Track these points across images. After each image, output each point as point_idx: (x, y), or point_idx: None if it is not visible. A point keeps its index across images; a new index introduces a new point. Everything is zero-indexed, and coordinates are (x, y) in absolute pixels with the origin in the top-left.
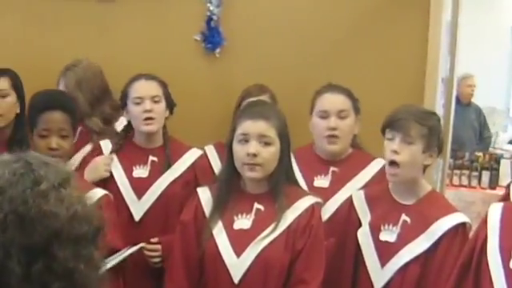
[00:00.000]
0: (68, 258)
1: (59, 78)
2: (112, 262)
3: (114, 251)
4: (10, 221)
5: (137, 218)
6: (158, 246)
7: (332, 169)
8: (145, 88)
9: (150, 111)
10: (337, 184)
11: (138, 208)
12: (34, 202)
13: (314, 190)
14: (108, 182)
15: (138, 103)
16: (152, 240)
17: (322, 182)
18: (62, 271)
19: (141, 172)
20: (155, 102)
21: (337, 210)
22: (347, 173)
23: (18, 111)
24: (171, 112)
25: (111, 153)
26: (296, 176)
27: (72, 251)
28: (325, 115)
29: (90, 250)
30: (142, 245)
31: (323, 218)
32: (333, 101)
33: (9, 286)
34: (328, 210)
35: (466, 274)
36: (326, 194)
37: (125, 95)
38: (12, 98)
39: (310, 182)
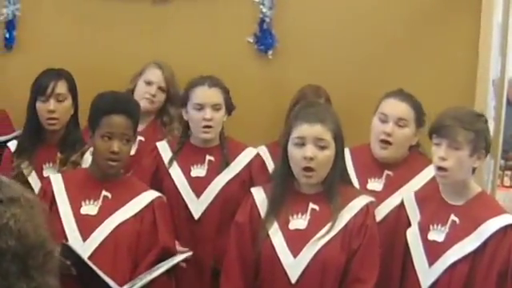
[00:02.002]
0: (4, 275)
1: (143, 69)
2: (163, 268)
3: (167, 252)
4: None
5: (196, 216)
6: None
7: (387, 172)
8: (207, 95)
9: (209, 120)
10: (390, 188)
11: (197, 207)
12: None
13: (367, 193)
14: (166, 182)
15: (198, 109)
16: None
17: (375, 185)
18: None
19: (198, 171)
20: (216, 109)
21: (387, 214)
22: (402, 177)
23: (72, 112)
24: (229, 114)
25: (172, 155)
26: (350, 176)
27: (8, 268)
28: (384, 119)
29: (11, 266)
30: (190, 253)
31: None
32: (395, 107)
33: None
34: (379, 214)
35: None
36: (379, 197)
37: (186, 97)
38: (68, 101)
39: (363, 184)
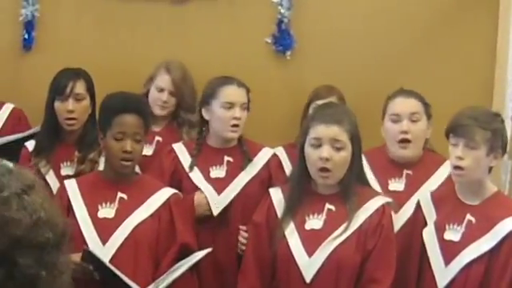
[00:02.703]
0: (30, 265)
1: (155, 74)
2: (184, 266)
3: (187, 248)
4: None
5: (215, 213)
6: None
7: (406, 172)
8: (237, 94)
9: (239, 119)
10: (412, 187)
11: (217, 204)
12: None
13: (390, 194)
14: (185, 184)
15: (228, 108)
16: (241, 227)
17: (396, 185)
18: (24, 278)
19: (218, 172)
20: (243, 109)
21: (409, 218)
22: (421, 175)
23: (90, 112)
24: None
25: (192, 159)
26: (369, 179)
27: (34, 258)
28: (397, 119)
29: (53, 256)
30: (209, 250)
31: (400, 222)
32: (405, 104)
33: None
34: (404, 214)
35: None
36: (402, 197)
37: (210, 95)
38: (87, 101)
39: (384, 186)
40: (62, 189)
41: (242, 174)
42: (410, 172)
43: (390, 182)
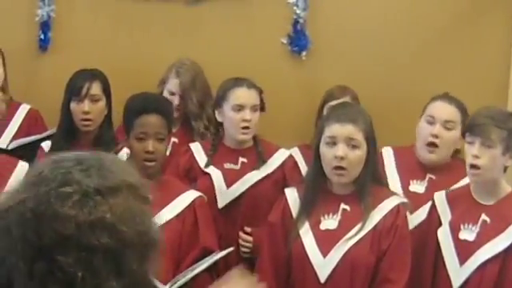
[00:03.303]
0: (69, 264)
1: (166, 76)
2: (204, 264)
3: (208, 252)
4: (29, 218)
5: (220, 205)
6: (250, 238)
7: (429, 176)
8: (247, 96)
9: (249, 121)
10: (432, 192)
11: (225, 196)
12: (54, 203)
13: (409, 195)
14: (200, 181)
15: (238, 110)
16: (245, 229)
17: (417, 187)
18: (62, 276)
19: (232, 167)
20: (254, 110)
21: (426, 218)
22: (444, 181)
23: (106, 113)
24: (262, 111)
25: (208, 159)
26: (391, 176)
27: (77, 258)
28: (431, 121)
29: (101, 261)
30: (231, 249)
31: (413, 223)
32: (443, 109)
33: (12, 280)
34: (419, 217)
35: None
36: (421, 199)
37: (222, 97)
38: (103, 102)
39: (405, 185)
40: None
41: (254, 172)
42: (433, 177)
43: (411, 182)
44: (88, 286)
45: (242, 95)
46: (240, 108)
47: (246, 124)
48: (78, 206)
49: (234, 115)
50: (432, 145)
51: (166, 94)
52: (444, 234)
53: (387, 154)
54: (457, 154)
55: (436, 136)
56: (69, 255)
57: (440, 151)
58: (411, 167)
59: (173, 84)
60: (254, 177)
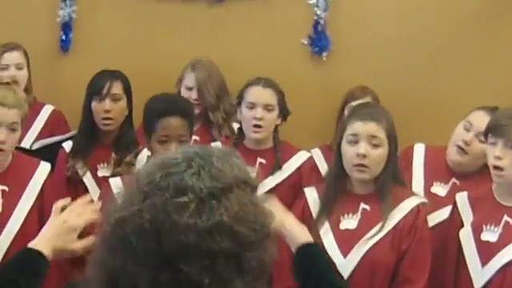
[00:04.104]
0: (195, 273)
1: (182, 75)
2: None
3: None
4: (148, 229)
5: None
6: None
7: (454, 180)
8: (260, 95)
9: (260, 119)
10: (453, 197)
11: None
12: (172, 214)
13: (430, 196)
14: None
15: (250, 108)
16: None
17: (439, 189)
18: (189, 284)
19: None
20: (268, 110)
21: (443, 220)
22: (468, 189)
23: (127, 113)
24: (284, 119)
25: None
26: (417, 173)
27: (201, 266)
28: (468, 127)
29: (223, 265)
30: None
31: (431, 224)
32: (482, 120)
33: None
34: (438, 217)
35: None
36: (440, 202)
37: (240, 96)
38: (123, 101)
39: (427, 186)
40: (107, 187)
41: (269, 178)
42: (457, 182)
43: (435, 184)
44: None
45: (256, 93)
46: (252, 106)
47: (256, 122)
48: (196, 214)
49: (246, 113)
50: (461, 149)
51: (183, 90)
52: (466, 235)
53: (418, 151)
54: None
55: (467, 143)
56: (193, 264)
57: (468, 157)
58: (438, 169)
59: (189, 79)
60: (270, 182)
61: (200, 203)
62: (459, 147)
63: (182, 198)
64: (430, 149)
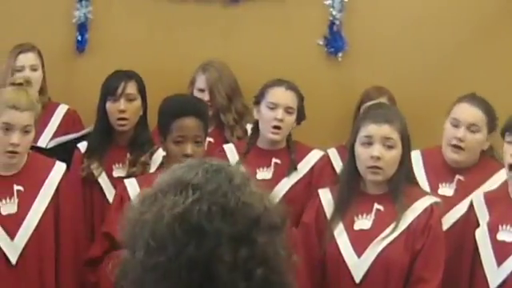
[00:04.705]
0: (267, 244)
1: (194, 77)
2: None
3: None
4: (214, 212)
5: None
6: None
7: (458, 177)
8: (283, 96)
9: (280, 120)
10: (461, 193)
11: None
12: (233, 194)
13: (438, 198)
14: None
15: (271, 108)
16: None
17: (446, 190)
18: (263, 256)
19: (264, 175)
20: (288, 112)
21: (458, 220)
22: (473, 182)
23: (141, 113)
24: (298, 123)
25: (240, 157)
26: (420, 179)
27: (269, 238)
28: (456, 123)
29: (282, 238)
30: None
31: (445, 226)
32: (468, 112)
33: (218, 275)
34: (449, 219)
35: None
36: (450, 202)
37: (261, 95)
38: (138, 102)
39: (434, 189)
40: (122, 189)
41: (285, 180)
42: (461, 178)
43: (440, 185)
44: (281, 263)
45: (279, 94)
46: (274, 106)
47: (277, 123)
48: (251, 193)
49: (267, 113)
50: (456, 147)
51: (195, 92)
52: (482, 235)
53: (415, 158)
54: (490, 150)
55: (460, 139)
56: (263, 236)
57: (465, 153)
58: (439, 170)
59: (200, 81)
60: (285, 185)
61: (247, 186)
62: (454, 146)
63: (235, 181)
64: (425, 152)
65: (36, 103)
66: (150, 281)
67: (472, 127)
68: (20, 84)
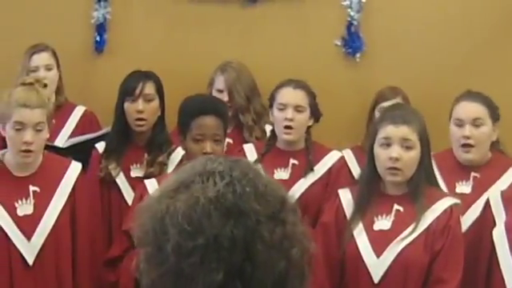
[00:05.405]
0: (294, 225)
1: (212, 78)
2: None
3: None
4: (248, 192)
5: None
6: None
7: (473, 174)
8: (291, 96)
9: (291, 120)
10: (479, 190)
11: None
12: (258, 179)
13: (457, 196)
14: None
15: (281, 109)
16: None
17: (463, 188)
18: (293, 237)
19: (281, 175)
20: (298, 111)
21: (477, 218)
22: (489, 178)
23: (159, 114)
24: (316, 121)
25: (257, 157)
26: (436, 177)
27: (294, 219)
28: (460, 123)
29: (299, 219)
30: None
31: (467, 223)
32: (468, 109)
33: (257, 254)
34: (469, 217)
35: None
36: (469, 200)
37: (272, 97)
38: (156, 102)
39: (451, 189)
40: (142, 188)
41: (302, 180)
42: (477, 175)
43: (457, 184)
44: (302, 241)
45: (286, 94)
46: (283, 107)
47: (287, 123)
48: (268, 180)
49: (278, 114)
50: (467, 145)
51: (214, 93)
52: (499, 235)
53: None
54: (497, 143)
55: (468, 137)
56: (291, 215)
57: (476, 150)
58: (454, 169)
59: (219, 81)
60: (302, 185)
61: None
62: (463, 145)
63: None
64: (437, 155)
65: (47, 101)
66: (186, 267)
67: (476, 122)
68: (31, 84)
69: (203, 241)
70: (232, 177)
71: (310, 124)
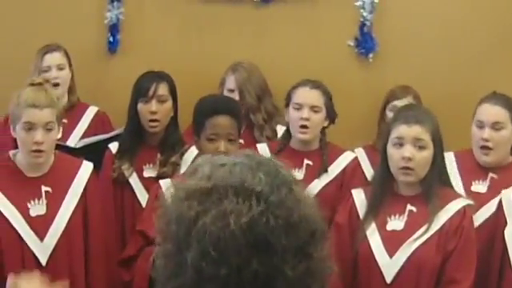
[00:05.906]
0: (320, 260)
1: (224, 78)
2: None
3: None
4: (280, 226)
5: None
6: None
7: (491, 175)
8: (306, 96)
9: (306, 119)
10: (494, 190)
11: None
12: (296, 208)
13: (471, 195)
14: None
15: (297, 109)
16: None
17: (479, 187)
18: (316, 270)
19: (296, 175)
20: (314, 111)
21: (490, 216)
22: (506, 180)
23: (172, 114)
24: (332, 122)
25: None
26: (454, 179)
27: (321, 252)
28: (480, 125)
29: (326, 247)
30: None
31: (477, 223)
32: (489, 112)
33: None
34: (481, 216)
35: None
36: (483, 199)
37: (288, 97)
38: (169, 103)
39: (467, 186)
40: (157, 188)
41: (316, 181)
42: (495, 176)
43: (473, 183)
44: (324, 275)
45: (303, 94)
46: (299, 107)
47: (303, 123)
48: (309, 203)
49: (293, 113)
50: (485, 148)
51: (225, 93)
52: (511, 235)
53: (448, 159)
54: None
55: (487, 140)
56: (318, 249)
57: (495, 152)
58: (472, 169)
59: (230, 81)
60: (316, 186)
61: (304, 194)
62: (482, 147)
63: (295, 190)
64: (458, 154)
65: (56, 100)
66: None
67: (496, 125)
68: (39, 84)
69: (226, 271)
70: (268, 203)
71: (325, 125)
